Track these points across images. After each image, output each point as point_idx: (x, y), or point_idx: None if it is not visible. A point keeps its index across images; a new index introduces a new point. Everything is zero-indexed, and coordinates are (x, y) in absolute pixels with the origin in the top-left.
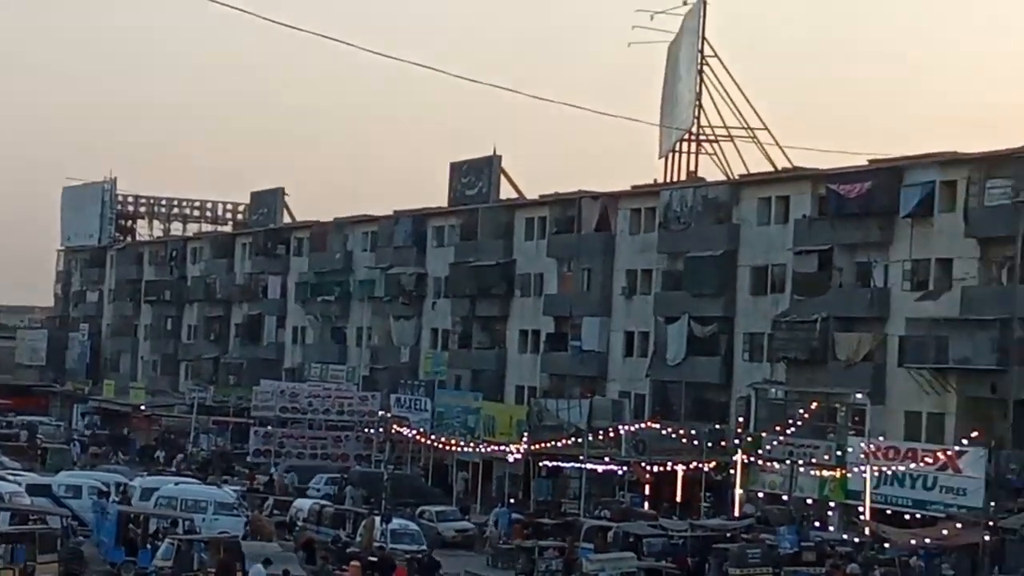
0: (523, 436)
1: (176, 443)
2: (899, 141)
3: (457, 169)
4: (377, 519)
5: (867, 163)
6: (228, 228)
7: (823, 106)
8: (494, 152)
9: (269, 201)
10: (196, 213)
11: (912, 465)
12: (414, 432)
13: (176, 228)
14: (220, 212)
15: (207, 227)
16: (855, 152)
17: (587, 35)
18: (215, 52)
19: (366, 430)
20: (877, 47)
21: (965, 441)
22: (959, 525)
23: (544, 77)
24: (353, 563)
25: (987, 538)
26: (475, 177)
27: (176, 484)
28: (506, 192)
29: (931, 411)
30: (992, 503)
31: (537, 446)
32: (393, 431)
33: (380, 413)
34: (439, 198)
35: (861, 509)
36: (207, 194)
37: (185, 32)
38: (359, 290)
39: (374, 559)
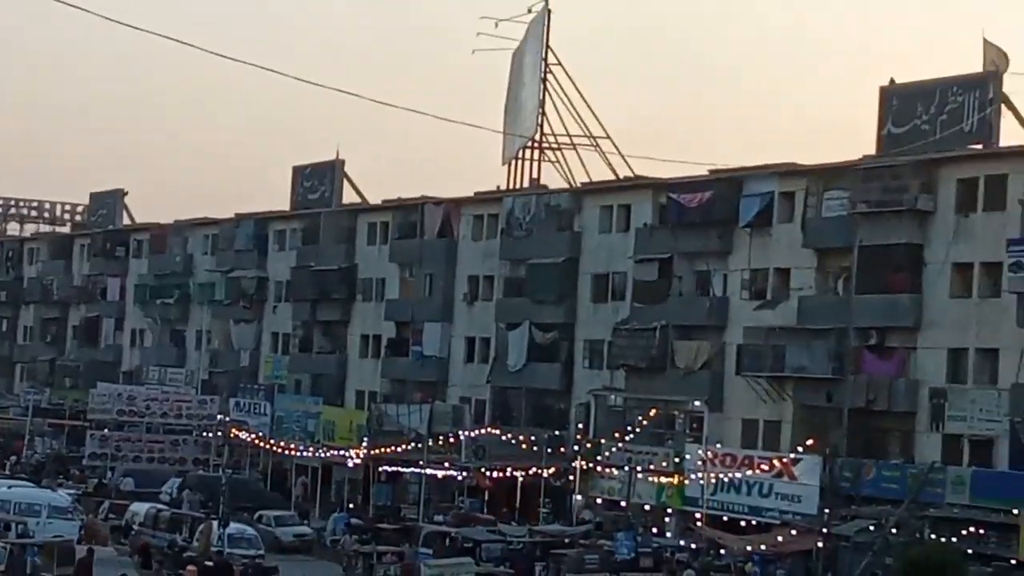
0: (363, 441)
1: (10, 446)
2: (740, 152)
3: (299, 173)
4: (214, 524)
5: (708, 173)
6: (66, 229)
7: (665, 117)
8: (337, 156)
9: (109, 202)
10: (33, 213)
11: (749, 472)
12: (253, 436)
13: (13, 228)
14: (58, 213)
15: (45, 228)
16: (696, 162)
17: (433, 41)
18: (52, 50)
19: (204, 434)
20: (720, 59)
21: (800, 449)
22: (794, 532)
23: (390, 82)
24: (189, 568)
25: (820, 544)
26: (318, 181)
27: (9, 488)
28: (349, 197)
29: (768, 419)
30: (826, 510)
31: (377, 451)
32: (232, 435)
33: (219, 417)
34: (281, 202)
35: (698, 515)
36: (45, 194)
37: (22, 30)
38: (199, 293)
39: (210, 564)
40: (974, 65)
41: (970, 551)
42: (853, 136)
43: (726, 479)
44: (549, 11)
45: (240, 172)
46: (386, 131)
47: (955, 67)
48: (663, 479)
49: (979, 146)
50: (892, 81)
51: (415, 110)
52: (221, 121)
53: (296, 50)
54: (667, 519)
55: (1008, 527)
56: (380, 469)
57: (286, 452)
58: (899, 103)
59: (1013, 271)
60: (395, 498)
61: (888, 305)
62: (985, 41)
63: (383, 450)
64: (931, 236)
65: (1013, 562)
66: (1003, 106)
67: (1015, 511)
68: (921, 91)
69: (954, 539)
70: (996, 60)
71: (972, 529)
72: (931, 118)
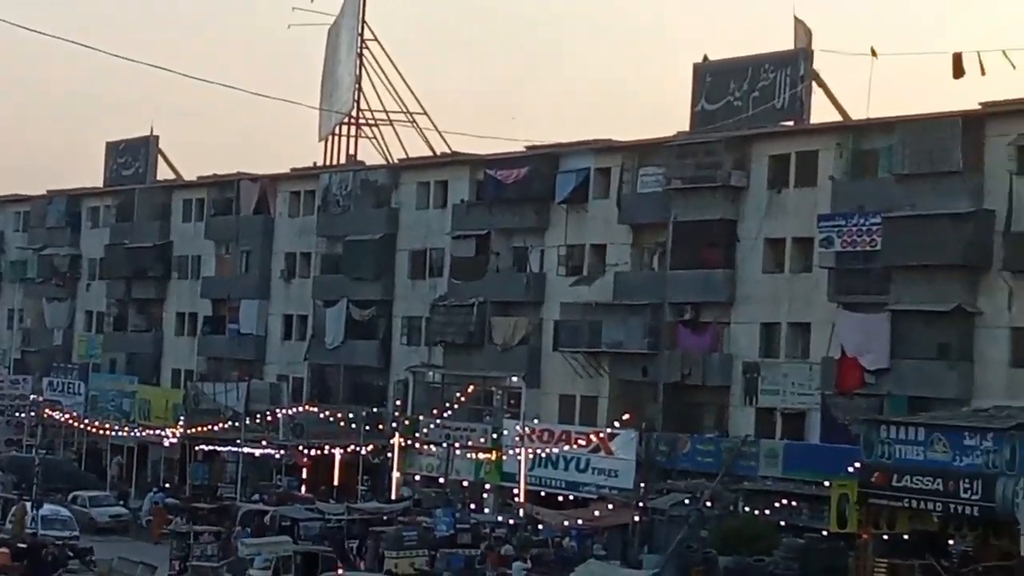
0: (179, 420)
1: None
2: (559, 129)
3: (113, 149)
4: (27, 505)
5: (524, 149)
6: None
7: (485, 93)
8: (151, 132)
9: None
10: None
11: (566, 447)
12: (67, 416)
13: None
14: None
15: None
16: (514, 139)
17: (249, 16)
18: None
19: (17, 414)
20: (541, 34)
21: (617, 424)
22: (610, 506)
23: (205, 58)
24: (1, 549)
25: (637, 518)
26: (132, 157)
27: None
28: (163, 173)
29: (585, 394)
30: (642, 484)
31: (194, 430)
32: (45, 415)
33: (32, 397)
34: (94, 178)
35: (516, 491)
36: None
37: None
38: (10, 271)
39: (24, 545)
40: (786, 42)
41: (783, 523)
42: (669, 113)
43: (543, 454)
44: None
45: (52, 148)
46: (201, 107)
47: (768, 44)
48: (481, 455)
49: (790, 123)
50: (705, 58)
51: (230, 85)
52: (32, 96)
53: (109, 24)
54: (485, 495)
55: (819, 499)
56: (197, 448)
57: (101, 432)
58: (712, 80)
59: (824, 246)
60: (212, 477)
61: (702, 280)
62: (795, 19)
63: (200, 429)
64: (744, 212)
65: (824, 533)
66: (813, 83)
67: (826, 483)
68: (734, 68)
69: (767, 511)
70: (805, 37)
71: (785, 501)
72: (743, 95)
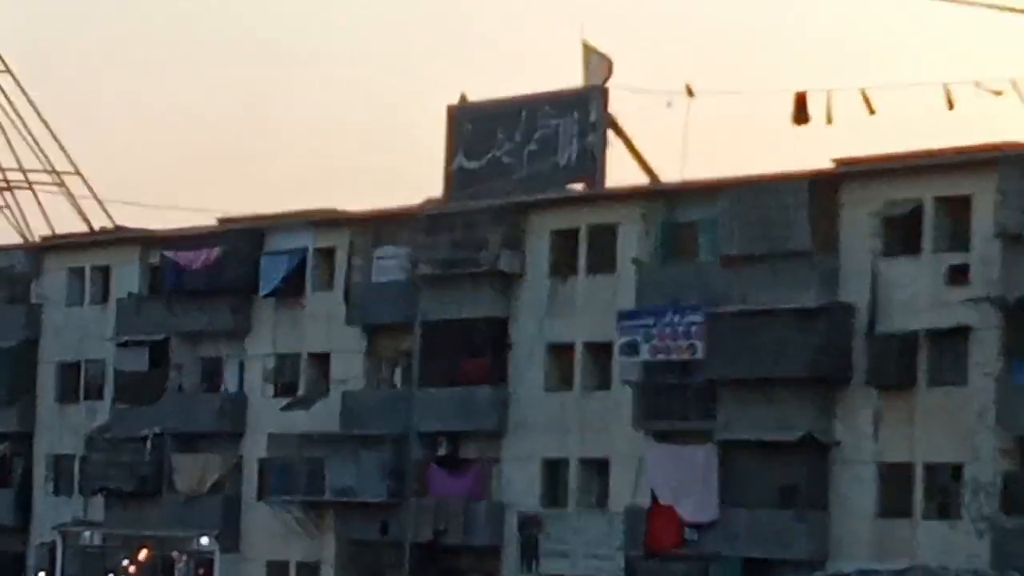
0: None
1: None
2: (262, 195)
3: None
4: None
5: (216, 223)
6: None
7: (161, 148)
8: None
9: None
10: None
11: None
12: None
13: None
14: None
15: None
16: (203, 208)
17: None
18: None
19: None
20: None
21: None
22: None
23: None
24: None
25: None
26: None
27: None
28: None
29: (303, 560)
30: None
31: None
32: None
33: None
34: None
35: None
36: None
37: None
38: None
39: None
40: (573, 77)
41: None
42: (415, 173)
43: None
44: None
45: None
46: None
47: (548, 80)
48: None
49: (580, 186)
50: (463, 98)
51: None
52: None
53: None
54: None
55: None
56: None
57: None
58: (474, 128)
59: (626, 354)
60: None
61: (462, 402)
62: (585, 45)
63: None
64: (518, 308)
65: None
66: (611, 132)
67: None
68: (502, 112)
69: None
70: (599, 69)
71: None
72: (516, 148)
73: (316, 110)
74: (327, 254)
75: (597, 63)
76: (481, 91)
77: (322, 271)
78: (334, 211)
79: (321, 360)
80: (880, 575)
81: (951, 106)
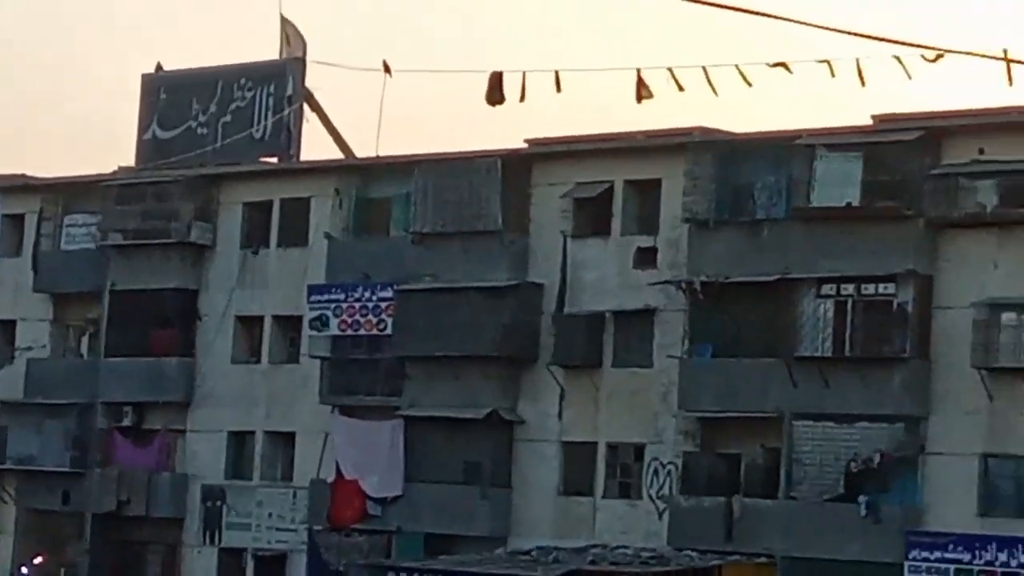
0: None
1: None
2: None
3: None
4: None
5: None
6: None
7: None
8: None
9: None
10: None
11: None
12: None
13: None
14: None
15: None
16: None
17: None
18: None
19: None
20: None
21: (25, 570)
22: None
23: None
24: None
25: None
26: None
27: None
28: None
29: None
30: None
31: None
32: None
33: None
34: None
35: None
36: None
37: None
38: None
39: None
40: (272, 51)
41: None
42: (111, 142)
43: None
44: None
45: None
46: None
47: (248, 53)
48: None
49: (274, 159)
50: (159, 67)
51: None
52: None
53: None
54: None
55: None
56: None
57: None
58: (168, 98)
59: (315, 328)
60: None
61: (148, 372)
62: (283, 19)
63: None
64: (208, 279)
65: None
66: (307, 107)
67: None
68: (197, 82)
69: None
70: (296, 43)
71: None
72: (210, 119)
73: (8, 73)
74: (16, 220)
75: (295, 37)
76: (180, 61)
77: (10, 237)
78: (23, 176)
79: (7, 327)
80: (559, 552)
81: (639, 98)
